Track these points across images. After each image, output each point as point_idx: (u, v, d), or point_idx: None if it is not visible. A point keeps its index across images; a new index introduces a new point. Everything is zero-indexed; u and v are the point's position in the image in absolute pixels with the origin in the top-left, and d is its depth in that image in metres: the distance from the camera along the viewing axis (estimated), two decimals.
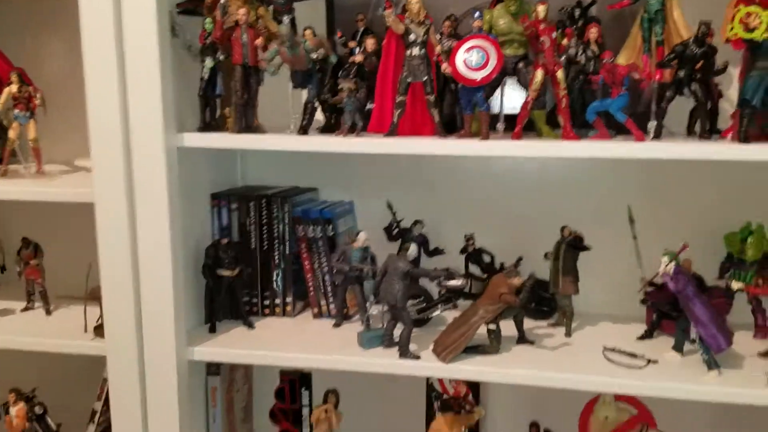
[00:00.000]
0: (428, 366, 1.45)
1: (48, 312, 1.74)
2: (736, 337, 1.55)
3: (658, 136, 1.36)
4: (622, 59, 1.50)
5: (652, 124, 1.40)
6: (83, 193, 1.40)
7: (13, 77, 1.56)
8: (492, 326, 1.47)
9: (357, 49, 1.54)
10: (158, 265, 1.42)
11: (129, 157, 1.39)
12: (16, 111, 1.56)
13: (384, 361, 1.47)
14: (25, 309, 1.76)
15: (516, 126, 1.37)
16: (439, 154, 1.39)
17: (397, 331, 1.49)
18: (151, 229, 1.41)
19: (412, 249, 1.47)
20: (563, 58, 1.42)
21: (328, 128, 1.56)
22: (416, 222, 1.72)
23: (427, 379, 1.70)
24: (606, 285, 1.70)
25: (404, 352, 1.45)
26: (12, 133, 1.58)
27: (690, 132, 1.50)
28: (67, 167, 1.81)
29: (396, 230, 1.74)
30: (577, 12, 1.53)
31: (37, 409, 1.74)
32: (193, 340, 1.53)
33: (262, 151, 1.83)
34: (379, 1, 1.38)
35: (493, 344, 1.47)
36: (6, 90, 1.57)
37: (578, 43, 1.44)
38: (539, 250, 1.64)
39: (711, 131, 1.44)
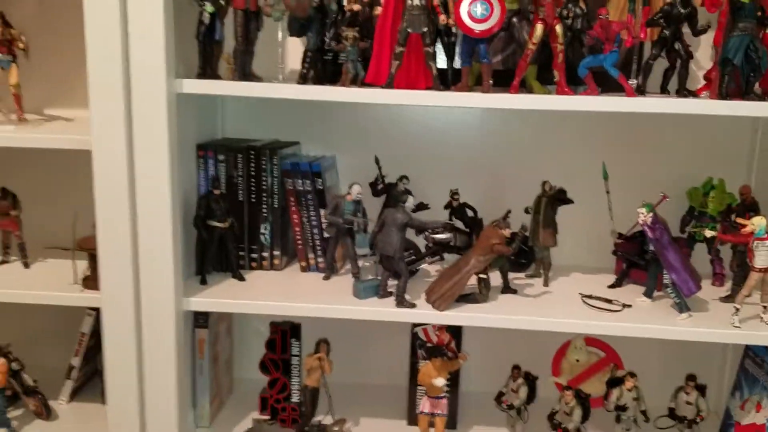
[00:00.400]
0: (423, 313, 1.51)
1: (26, 265, 1.69)
2: None
3: (642, 92, 1.45)
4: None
5: (633, 82, 1.48)
6: (81, 140, 1.36)
7: None
8: (482, 276, 1.54)
9: None
10: (157, 215, 1.41)
11: (129, 103, 1.36)
12: None
13: (379, 309, 1.52)
14: (1, 262, 1.71)
15: (515, 78, 1.43)
16: (436, 106, 1.42)
17: (390, 283, 1.54)
18: (150, 177, 1.39)
19: (410, 201, 1.52)
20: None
21: (317, 79, 1.56)
22: (401, 177, 1.75)
23: (413, 328, 1.77)
24: (577, 238, 1.81)
25: (401, 301, 1.51)
26: None
27: (663, 90, 1.59)
28: (38, 116, 1.75)
29: (381, 185, 1.78)
30: None
31: (14, 365, 1.70)
32: (186, 291, 1.53)
33: (244, 102, 1.84)
34: None
35: (483, 293, 1.55)
36: None
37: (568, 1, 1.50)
38: (517, 205, 1.72)
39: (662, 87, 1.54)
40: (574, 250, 1.83)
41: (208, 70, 1.47)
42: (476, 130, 1.86)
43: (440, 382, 1.57)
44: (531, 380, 1.65)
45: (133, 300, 1.45)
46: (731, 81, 1.38)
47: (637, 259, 1.68)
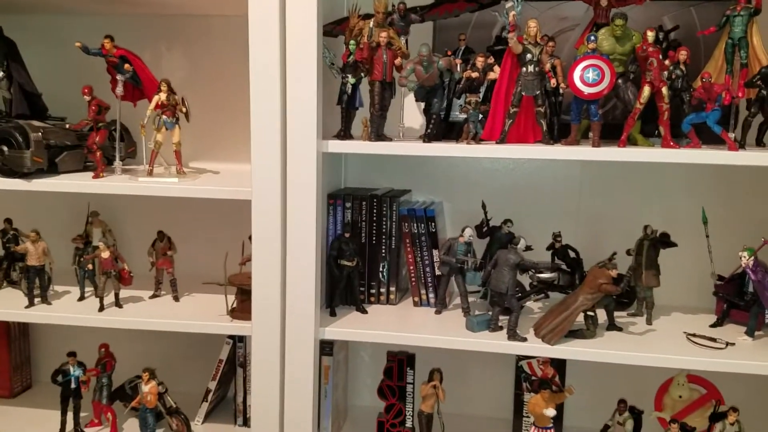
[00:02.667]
0: (533, 347, 1.65)
1: (176, 299, 1.92)
2: None
3: (743, 146, 1.58)
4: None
5: (731, 135, 1.61)
6: (243, 191, 1.60)
7: (163, 86, 1.75)
8: (590, 313, 1.68)
9: (460, 66, 1.73)
10: (304, 256, 1.62)
11: (285, 159, 1.58)
12: (165, 117, 1.75)
13: (491, 341, 1.66)
14: (153, 296, 1.94)
15: (623, 134, 1.59)
16: (549, 159, 1.58)
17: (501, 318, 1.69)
18: (300, 224, 1.61)
19: (522, 243, 1.67)
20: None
21: (429, 137, 1.74)
22: (506, 221, 1.92)
23: (518, 361, 1.90)
24: (678, 279, 1.91)
25: (513, 335, 1.66)
26: (160, 137, 1.76)
27: (759, 143, 1.71)
28: (189, 168, 2.01)
29: (486, 228, 1.95)
30: (661, 35, 1.76)
31: (161, 388, 1.92)
32: (320, 322, 1.72)
33: (364, 157, 2.06)
34: (503, 24, 1.58)
35: (591, 329, 1.68)
36: (156, 97, 1.75)
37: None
38: (611, 246, 1.83)
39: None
40: (676, 291, 1.91)
41: (347, 132, 1.69)
42: (576, 180, 2.01)
43: (551, 412, 1.69)
44: (637, 414, 1.75)
45: (279, 328, 1.65)
46: None
47: (737, 300, 1.77)
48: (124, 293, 1.90)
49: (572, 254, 1.92)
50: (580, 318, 1.67)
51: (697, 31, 1.70)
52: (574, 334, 1.67)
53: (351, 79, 1.64)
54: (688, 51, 1.65)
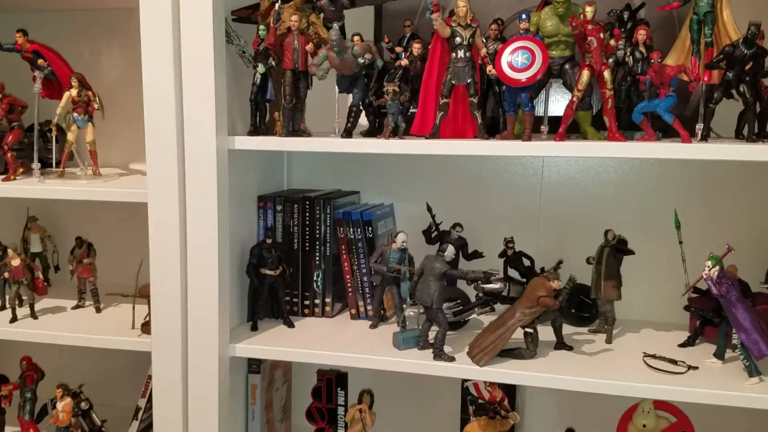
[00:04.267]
0: (462, 368, 1.46)
1: (98, 310, 1.80)
2: None
3: (705, 138, 1.36)
4: (670, 61, 1.51)
5: (699, 126, 1.39)
6: (137, 193, 1.46)
7: (74, 82, 1.63)
8: (529, 330, 1.47)
9: (403, 54, 1.57)
10: (205, 264, 1.47)
11: (182, 158, 1.44)
12: (75, 114, 1.64)
13: (418, 362, 1.48)
14: (76, 307, 1.83)
15: (560, 126, 1.38)
16: (480, 155, 1.40)
17: (433, 333, 1.50)
18: (200, 228, 1.46)
19: (450, 250, 1.49)
20: (612, 59, 1.43)
21: (371, 132, 1.59)
22: (455, 225, 1.74)
23: (463, 382, 1.71)
24: (649, 291, 1.71)
25: (438, 354, 1.47)
26: (70, 136, 1.65)
27: (738, 135, 1.49)
28: (123, 170, 1.89)
29: (435, 233, 1.77)
30: (626, 15, 1.55)
31: (83, 405, 1.80)
32: (235, 337, 1.57)
33: (308, 155, 1.91)
34: (427, 6, 1.41)
35: (530, 348, 1.48)
36: (66, 94, 1.64)
37: (627, 45, 1.45)
38: (581, 255, 1.65)
39: (760, 135, 1.43)
40: (648, 304, 1.72)
41: (262, 127, 1.54)
42: (537, 178, 1.81)
43: None
44: None
45: (181, 346, 1.51)
46: None
47: (712, 316, 1.54)
48: (48, 303, 1.80)
49: (526, 262, 1.72)
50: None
51: (658, 7, 1.48)
52: (510, 353, 1.47)
53: (260, 69, 1.48)
54: (647, 30, 1.45)
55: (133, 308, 1.62)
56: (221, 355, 1.51)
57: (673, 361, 1.44)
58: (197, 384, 1.51)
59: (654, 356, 1.47)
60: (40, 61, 1.69)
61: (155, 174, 1.45)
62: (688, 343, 1.56)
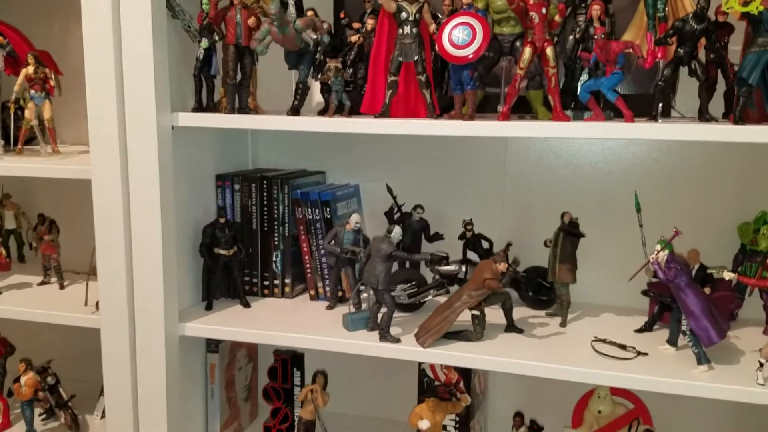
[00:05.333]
0: (408, 350, 1.44)
1: (62, 286, 1.81)
2: (746, 332, 1.49)
3: (655, 117, 1.30)
4: (628, 36, 1.46)
5: (656, 105, 1.34)
6: (82, 170, 1.46)
7: (30, 59, 1.64)
8: (476, 312, 1.45)
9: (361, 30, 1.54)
10: (150, 243, 1.46)
11: (124, 135, 1.43)
12: (32, 92, 1.64)
13: (368, 343, 1.46)
14: (42, 283, 1.85)
15: (504, 105, 1.34)
16: (432, 135, 1.36)
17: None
18: (143, 207, 1.45)
19: (396, 231, 1.46)
20: (558, 35, 1.38)
21: (325, 111, 1.56)
22: (416, 207, 1.71)
23: (420, 364, 1.69)
24: (610, 275, 1.66)
25: (384, 335, 1.45)
26: (28, 113, 1.66)
27: (701, 116, 1.43)
28: (86, 148, 1.89)
29: (397, 214, 1.75)
30: None
31: (50, 380, 1.82)
32: (187, 316, 1.57)
33: (272, 134, 1.89)
34: None
35: (477, 330, 1.45)
36: (23, 71, 1.64)
37: (584, 22, 1.40)
38: (540, 237, 1.61)
39: (725, 113, 1.38)
40: (608, 288, 1.68)
41: (210, 104, 1.52)
42: (498, 159, 1.77)
43: (424, 424, 1.49)
44: (536, 430, 1.51)
45: (128, 324, 1.51)
46: (748, 102, 1.20)
47: (670, 302, 1.49)
48: (16, 279, 1.82)
49: (485, 244, 1.69)
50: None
51: None
52: (457, 335, 1.45)
53: (203, 43, 1.46)
54: (602, 6, 1.39)
55: (87, 285, 1.63)
56: (169, 334, 1.51)
57: (623, 347, 1.40)
58: (145, 362, 1.52)
59: (604, 341, 1.43)
60: (0, 39, 1.69)
61: (97, 151, 1.44)
62: (646, 328, 1.52)
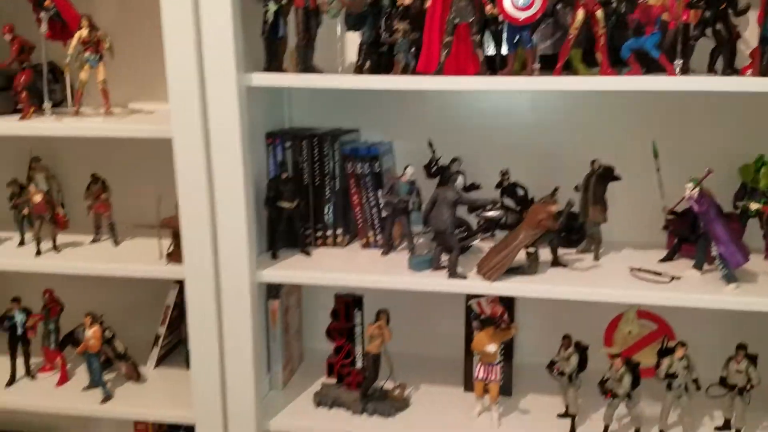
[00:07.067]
0: (474, 284, 1.61)
1: (116, 243, 1.88)
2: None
3: (685, 71, 1.49)
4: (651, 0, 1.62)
5: (678, 62, 1.52)
6: (162, 130, 1.53)
7: (84, 22, 1.67)
8: (531, 250, 1.63)
9: None
10: (232, 196, 1.56)
11: (204, 95, 1.51)
12: (87, 54, 1.68)
13: (433, 280, 1.62)
14: (94, 241, 1.90)
15: (558, 62, 1.50)
16: (479, 91, 1.50)
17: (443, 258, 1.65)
18: (225, 162, 1.54)
19: (460, 180, 1.61)
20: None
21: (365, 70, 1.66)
22: (454, 159, 1.85)
23: (467, 301, 1.87)
24: (628, 215, 1.85)
25: (453, 273, 1.61)
26: (83, 75, 1.70)
27: (710, 70, 1.62)
28: (123, 109, 1.94)
29: (435, 167, 1.88)
30: None
31: (107, 333, 1.91)
32: (259, 265, 1.68)
33: (307, 94, 1.98)
34: None
35: (532, 266, 1.64)
36: (77, 34, 1.67)
37: None
38: (568, 183, 1.79)
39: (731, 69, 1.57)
40: (626, 228, 1.86)
41: (274, 64, 1.61)
42: (527, 114, 1.93)
43: (492, 348, 1.67)
44: (582, 349, 1.72)
45: (213, 273, 1.61)
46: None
47: (688, 234, 1.72)
48: (64, 239, 1.86)
49: (520, 192, 1.86)
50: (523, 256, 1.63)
51: None
52: (515, 271, 1.62)
53: (271, 6, 1.54)
54: None
55: (159, 239, 1.71)
56: (252, 281, 1.63)
57: (658, 273, 1.61)
58: (230, 309, 1.63)
59: (640, 269, 1.64)
60: (46, 2, 1.70)
61: (179, 110, 1.51)
62: (668, 258, 1.74)
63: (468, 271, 1.64)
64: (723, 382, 1.65)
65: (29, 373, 1.96)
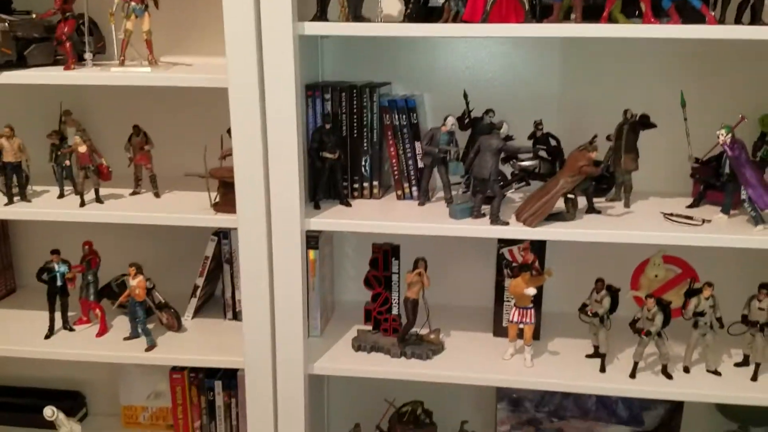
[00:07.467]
0: (515, 230, 1.68)
1: (157, 195, 1.90)
2: None
3: (722, 21, 1.56)
4: None
5: (713, 13, 1.58)
6: (219, 79, 1.55)
7: None
8: (570, 196, 1.70)
9: None
10: (286, 146, 1.60)
11: (260, 42, 1.53)
12: (133, 4, 1.68)
13: (475, 227, 1.69)
14: (133, 193, 1.92)
15: (605, 10, 1.56)
16: (533, 37, 1.54)
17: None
18: (280, 112, 1.57)
19: (505, 127, 1.67)
20: None
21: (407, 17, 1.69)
22: (488, 111, 1.90)
23: (499, 249, 1.95)
24: (655, 164, 1.92)
25: (495, 219, 1.68)
26: (129, 25, 1.70)
27: (737, 23, 1.68)
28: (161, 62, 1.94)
29: (468, 119, 1.93)
30: None
31: (148, 284, 1.94)
32: (306, 214, 1.73)
33: (340, 47, 2.01)
34: None
35: (571, 212, 1.71)
36: None
37: None
38: (598, 133, 1.84)
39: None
40: (653, 177, 1.92)
41: (323, 14, 1.64)
42: (557, 67, 1.98)
43: (531, 291, 1.75)
44: (614, 291, 1.81)
45: (265, 221, 1.65)
46: None
47: (714, 181, 1.80)
48: (103, 191, 1.88)
49: (553, 142, 1.92)
50: (560, 204, 1.70)
51: None
52: (554, 217, 1.69)
53: None
54: None
55: (208, 188, 1.73)
56: (302, 228, 1.67)
57: (689, 217, 1.70)
58: (281, 256, 1.68)
59: (671, 214, 1.73)
60: None
61: (236, 58, 1.54)
62: (694, 204, 1.82)
63: (505, 219, 1.70)
64: (745, 320, 1.76)
65: (66, 325, 1.99)
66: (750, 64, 1.90)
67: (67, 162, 1.84)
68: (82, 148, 1.76)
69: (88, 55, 1.76)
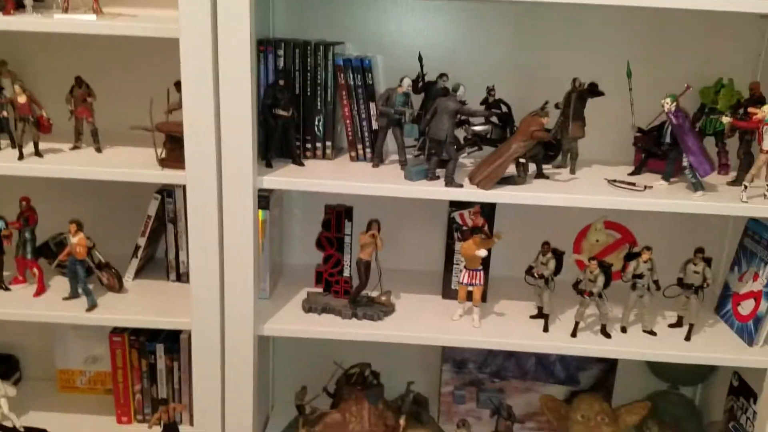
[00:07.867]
0: (468, 192, 1.70)
1: (99, 150, 1.81)
2: None
3: None
4: None
5: None
6: (170, 29, 1.49)
7: None
8: (522, 160, 1.73)
9: None
10: (238, 101, 1.55)
11: None
12: None
13: (430, 188, 1.70)
14: (74, 148, 1.83)
15: None
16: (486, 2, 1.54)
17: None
18: (233, 65, 1.52)
19: (462, 89, 1.67)
20: None
21: None
22: (441, 75, 1.90)
23: (449, 213, 1.97)
24: (599, 134, 1.97)
25: (450, 181, 1.69)
26: None
27: None
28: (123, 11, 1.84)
29: (421, 83, 1.93)
30: None
31: (88, 243, 1.86)
32: (258, 172, 1.69)
33: (293, 3, 1.96)
34: None
35: (522, 176, 1.74)
36: None
37: None
38: (543, 100, 1.86)
39: None
40: (597, 145, 1.97)
41: None
42: (510, 34, 2.00)
43: (483, 253, 1.78)
44: (558, 254, 1.87)
45: (216, 178, 1.61)
46: None
47: (655, 150, 1.87)
48: (42, 145, 1.77)
49: (504, 108, 1.95)
50: (512, 169, 1.73)
51: None
52: (506, 180, 1.72)
53: None
54: None
55: (154, 142, 1.67)
56: (254, 186, 1.64)
57: (632, 183, 1.77)
58: (232, 214, 1.64)
59: (615, 180, 1.79)
60: None
61: (189, 7, 1.47)
62: (636, 172, 1.89)
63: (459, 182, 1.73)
64: (680, 282, 1.85)
65: (2, 284, 1.89)
66: (697, 37, 1.97)
67: (5, 113, 1.73)
68: (22, 98, 1.66)
69: (28, 1, 1.65)
